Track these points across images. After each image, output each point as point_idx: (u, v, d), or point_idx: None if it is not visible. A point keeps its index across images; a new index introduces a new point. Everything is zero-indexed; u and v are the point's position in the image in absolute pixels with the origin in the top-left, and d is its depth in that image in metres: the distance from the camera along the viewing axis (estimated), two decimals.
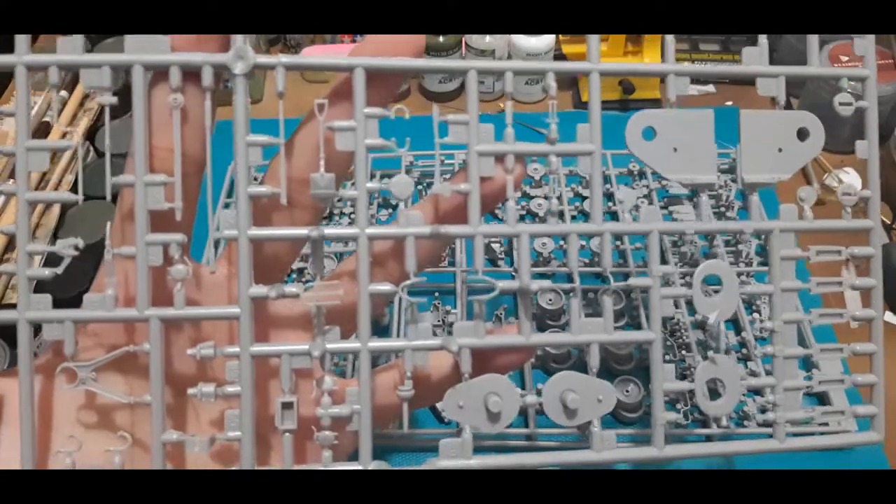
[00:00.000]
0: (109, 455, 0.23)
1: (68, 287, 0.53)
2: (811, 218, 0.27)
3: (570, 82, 0.84)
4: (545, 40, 0.77)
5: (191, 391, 0.24)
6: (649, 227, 0.26)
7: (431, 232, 0.25)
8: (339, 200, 0.66)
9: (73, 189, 0.66)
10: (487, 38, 0.78)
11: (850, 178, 0.71)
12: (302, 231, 0.24)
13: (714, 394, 0.26)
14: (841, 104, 0.27)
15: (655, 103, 0.76)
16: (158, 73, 0.24)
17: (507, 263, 0.65)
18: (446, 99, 0.80)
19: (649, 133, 0.26)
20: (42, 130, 0.73)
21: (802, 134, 0.27)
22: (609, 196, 0.68)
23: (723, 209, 0.66)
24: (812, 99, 0.73)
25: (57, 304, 0.24)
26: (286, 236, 0.24)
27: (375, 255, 0.26)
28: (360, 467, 0.24)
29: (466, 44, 0.80)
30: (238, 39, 0.24)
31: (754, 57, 0.27)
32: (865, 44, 0.27)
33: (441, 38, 0.78)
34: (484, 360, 0.26)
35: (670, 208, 0.66)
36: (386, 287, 0.25)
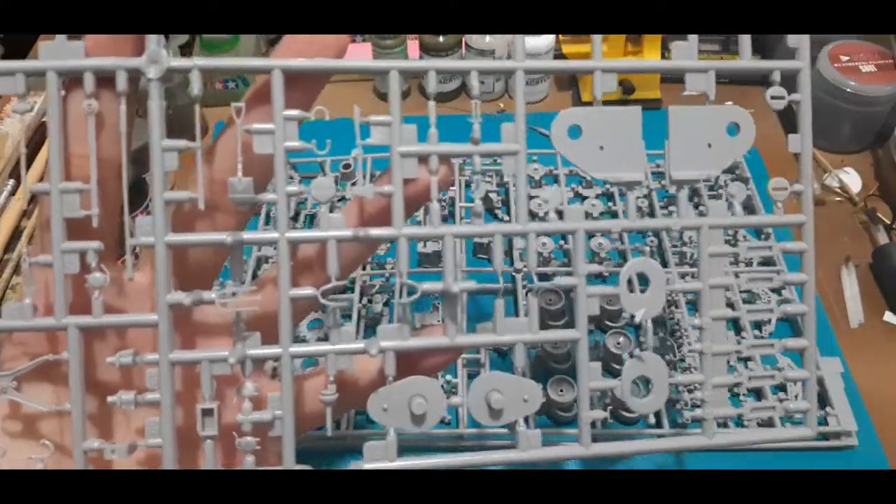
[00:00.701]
0: (32, 462, 0.23)
1: None
2: (741, 213, 0.27)
3: (569, 82, 0.83)
4: (545, 40, 0.77)
5: (110, 399, 0.24)
6: (574, 226, 0.26)
7: (353, 235, 0.25)
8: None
9: None
10: (487, 38, 0.77)
11: (850, 178, 0.71)
12: (220, 236, 0.24)
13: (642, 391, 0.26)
14: (773, 98, 0.26)
15: (655, 103, 0.75)
16: (74, 80, 0.23)
17: (505, 264, 0.62)
18: (446, 99, 0.79)
19: (575, 131, 0.26)
20: (42, 131, 0.73)
21: (732, 130, 0.26)
22: (609, 196, 0.67)
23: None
24: (812, 99, 0.71)
25: None
26: (203, 241, 0.24)
27: (301, 260, 0.26)
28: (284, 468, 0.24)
29: (466, 44, 0.79)
30: (152, 42, 0.23)
31: (683, 52, 0.26)
32: (799, 38, 0.27)
33: (441, 38, 0.78)
34: (411, 363, 0.26)
35: (670, 208, 0.65)
36: (306, 291, 0.24)
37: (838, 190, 0.71)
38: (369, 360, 0.26)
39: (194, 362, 0.24)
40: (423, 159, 0.25)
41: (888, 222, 0.66)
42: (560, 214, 0.26)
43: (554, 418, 0.54)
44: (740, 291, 0.55)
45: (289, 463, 0.24)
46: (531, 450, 0.26)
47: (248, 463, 0.24)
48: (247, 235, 0.24)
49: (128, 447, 0.24)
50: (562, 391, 0.53)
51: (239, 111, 0.24)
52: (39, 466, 0.23)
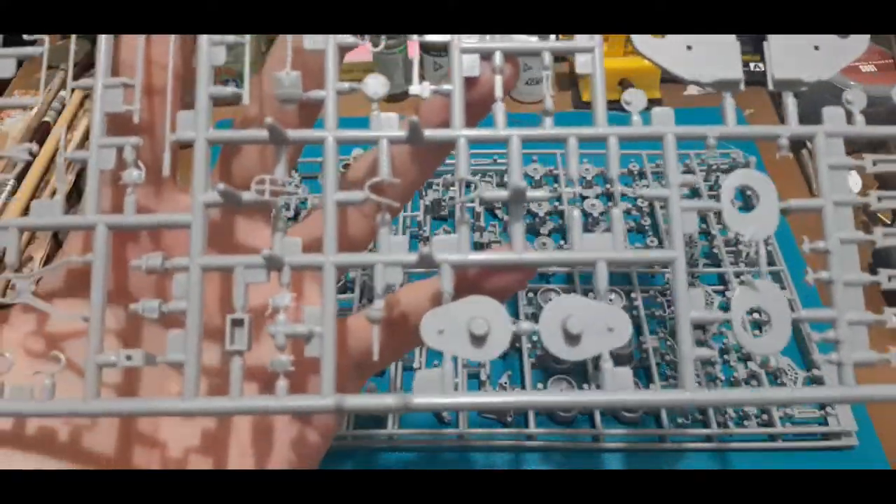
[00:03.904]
0: (38, 378, 0.21)
1: None
2: (862, 122, 0.23)
3: (570, 82, 0.83)
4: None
5: (132, 307, 0.21)
6: (661, 130, 0.22)
7: (409, 135, 0.22)
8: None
9: (74, 189, 0.63)
10: (488, 38, 0.78)
11: (850, 178, 0.65)
12: (261, 133, 0.22)
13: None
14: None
15: (655, 103, 0.70)
16: None
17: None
18: None
19: None
20: (42, 130, 0.72)
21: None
22: (609, 196, 0.66)
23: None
24: (813, 99, 0.69)
25: None
26: (245, 139, 0.22)
27: (354, 180, 0.24)
28: (320, 402, 0.20)
29: None
30: None
31: None
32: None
33: None
34: (472, 286, 0.22)
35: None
36: (355, 195, 0.22)
37: None
38: (422, 288, 0.22)
39: (228, 268, 0.21)
40: (485, 56, 0.23)
41: (888, 222, 0.63)
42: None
43: (554, 418, 0.51)
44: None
45: (328, 392, 0.20)
46: (620, 391, 0.21)
47: (281, 389, 0.21)
48: (292, 133, 0.22)
49: (144, 356, 0.21)
50: (562, 391, 0.49)
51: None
52: (46, 383, 0.21)
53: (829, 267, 0.22)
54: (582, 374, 0.53)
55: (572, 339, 0.21)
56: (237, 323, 0.21)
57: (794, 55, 0.23)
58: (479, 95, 0.23)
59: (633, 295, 0.57)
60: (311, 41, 0.22)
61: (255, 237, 0.25)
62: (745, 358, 0.54)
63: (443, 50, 0.79)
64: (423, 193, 0.65)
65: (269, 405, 0.20)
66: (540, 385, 0.52)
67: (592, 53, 0.23)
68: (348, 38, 0.23)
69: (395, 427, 0.50)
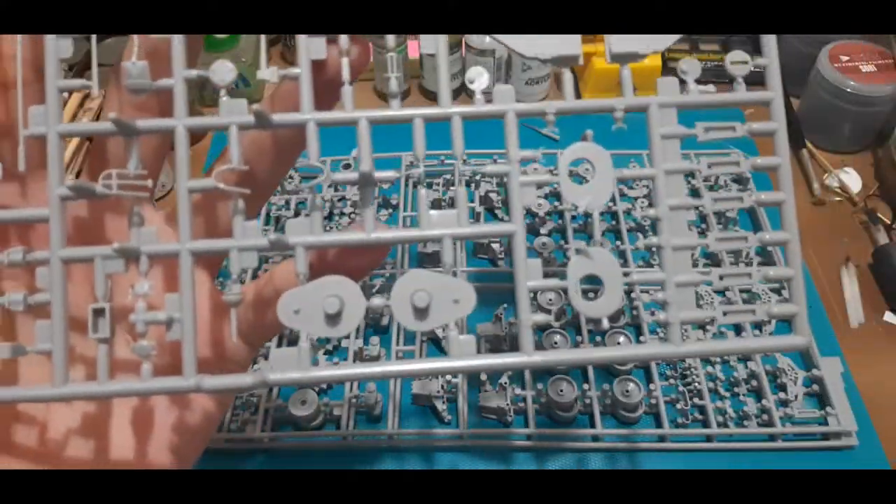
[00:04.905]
0: None
1: None
2: (696, 91, 0.24)
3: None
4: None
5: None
6: (503, 108, 0.23)
7: (256, 120, 0.23)
8: (339, 200, 0.64)
9: None
10: (487, 38, 0.77)
11: (850, 178, 0.70)
12: (107, 125, 0.22)
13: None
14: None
15: None
16: None
17: (506, 264, 0.61)
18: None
19: None
20: None
21: None
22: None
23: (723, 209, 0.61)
24: (812, 99, 0.72)
25: None
26: (98, 131, 0.23)
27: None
28: (181, 384, 0.22)
29: (466, 44, 0.79)
30: None
31: None
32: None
33: None
34: (331, 267, 0.23)
35: None
36: (206, 182, 0.22)
37: (838, 190, 0.70)
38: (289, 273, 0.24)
39: (87, 259, 0.22)
40: (332, 39, 0.23)
41: (888, 222, 0.65)
42: (488, 96, 0.23)
43: (554, 418, 0.51)
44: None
45: (189, 374, 0.22)
46: (464, 358, 0.22)
47: (146, 372, 0.22)
48: (141, 123, 0.23)
49: (11, 348, 0.22)
50: (561, 391, 0.51)
51: None
52: None
53: (658, 232, 0.23)
54: (582, 374, 0.53)
55: (420, 312, 0.22)
56: (98, 312, 0.22)
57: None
58: (327, 78, 0.23)
59: (632, 294, 0.57)
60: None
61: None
62: (745, 358, 0.54)
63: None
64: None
65: (133, 387, 0.22)
66: (540, 385, 0.52)
67: (436, 38, 0.23)
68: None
69: (394, 427, 0.50)
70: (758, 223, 0.64)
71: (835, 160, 0.72)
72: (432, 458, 0.50)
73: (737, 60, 0.24)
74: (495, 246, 0.62)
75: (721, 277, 0.24)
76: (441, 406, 0.51)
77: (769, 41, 0.24)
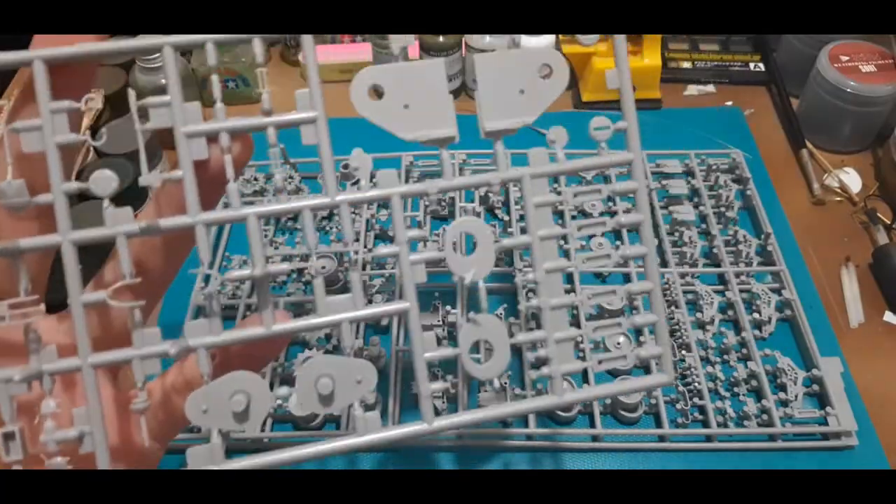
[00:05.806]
0: None
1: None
2: (564, 159, 0.25)
3: (570, 82, 0.79)
4: (545, 40, 0.75)
5: None
6: (389, 192, 0.24)
7: (142, 228, 0.23)
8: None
9: None
10: (487, 38, 0.76)
11: (850, 178, 0.71)
12: None
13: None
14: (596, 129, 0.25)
15: (655, 103, 0.72)
16: None
17: (506, 263, 0.60)
18: None
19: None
20: None
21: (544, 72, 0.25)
22: (609, 197, 0.63)
23: (723, 209, 0.64)
24: (812, 99, 0.72)
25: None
26: None
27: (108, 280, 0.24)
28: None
29: (467, 44, 0.78)
30: None
31: None
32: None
33: (441, 38, 0.76)
34: (232, 362, 0.24)
35: (670, 208, 0.63)
36: (99, 295, 0.23)
37: (838, 190, 0.70)
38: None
39: None
40: (212, 138, 0.23)
41: (888, 222, 0.66)
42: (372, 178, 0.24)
43: (554, 418, 0.52)
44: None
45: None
46: (371, 433, 0.24)
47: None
48: (24, 243, 0.22)
49: None
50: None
51: (1, 109, 0.22)
52: None
53: (538, 295, 0.25)
54: (582, 374, 0.54)
55: (325, 398, 0.24)
56: (8, 437, 0.22)
57: (502, 104, 0.25)
58: (211, 177, 0.23)
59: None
60: (27, 142, 0.22)
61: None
62: (745, 358, 0.55)
63: (442, 50, 0.75)
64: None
65: None
66: (540, 386, 0.52)
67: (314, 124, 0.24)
68: (69, 137, 0.22)
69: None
70: (758, 223, 0.65)
71: (835, 160, 0.73)
72: (432, 458, 0.50)
73: (599, 127, 0.26)
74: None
75: (594, 329, 0.26)
76: (441, 406, 0.51)
77: (627, 104, 0.26)
